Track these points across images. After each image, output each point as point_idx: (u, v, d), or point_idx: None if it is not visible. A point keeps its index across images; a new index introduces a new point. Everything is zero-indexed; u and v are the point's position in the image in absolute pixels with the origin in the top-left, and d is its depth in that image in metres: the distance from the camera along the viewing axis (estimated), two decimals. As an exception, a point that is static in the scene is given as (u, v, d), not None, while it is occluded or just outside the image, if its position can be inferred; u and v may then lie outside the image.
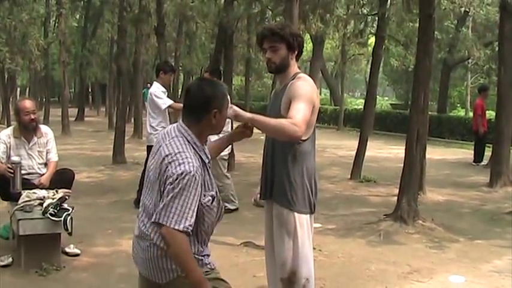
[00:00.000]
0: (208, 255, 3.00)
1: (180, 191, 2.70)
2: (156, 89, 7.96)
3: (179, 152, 2.78)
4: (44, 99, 31.80)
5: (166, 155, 2.79)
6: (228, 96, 3.04)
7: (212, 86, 2.93)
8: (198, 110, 2.88)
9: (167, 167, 2.75)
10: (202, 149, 2.92)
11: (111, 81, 30.60)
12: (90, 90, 46.44)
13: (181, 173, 2.71)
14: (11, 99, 24.84)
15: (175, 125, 2.97)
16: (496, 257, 6.18)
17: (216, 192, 2.96)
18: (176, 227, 2.69)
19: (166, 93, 8.15)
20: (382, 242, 6.68)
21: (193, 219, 2.74)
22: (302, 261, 3.72)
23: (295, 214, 3.69)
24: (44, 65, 26.20)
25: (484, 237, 7.04)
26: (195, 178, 2.73)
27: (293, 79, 3.67)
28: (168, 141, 2.85)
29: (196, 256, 2.89)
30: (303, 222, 3.71)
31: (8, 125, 16.01)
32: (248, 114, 3.32)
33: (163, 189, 2.75)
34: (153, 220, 2.76)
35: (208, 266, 2.97)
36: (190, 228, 2.72)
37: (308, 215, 3.74)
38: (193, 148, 2.85)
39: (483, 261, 6.06)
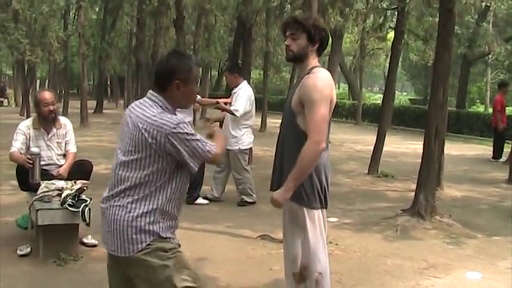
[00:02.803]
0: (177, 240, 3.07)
1: (189, 136, 2.92)
2: None
3: (158, 114, 2.91)
4: (63, 92, 32.01)
5: (148, 123, 2.88)
6: (196, 70, 3.13)
7: (178, 58, 3.04)
8: (163, 79, 2.99)
9: (156, 130, 2.86)
10: (174, 113, 3.00)
11: (129, 74, 30.79)
12: (108, 82, 46.67)
13: (176, 124, 2.88)
14: (30, 91, 25.02)
15: (144, 97, 3.07)
16: (513, 254, 6.14)
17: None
18: (216, 151, 3.06)
19: None
20: (399, 237, 6.66)
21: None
22: (314, 256, 3.72)
23: (305, 209, 3.69)
24: (63, 57, 26.37)
25: (501, 234, 6.99)
26: (186, 123, 2.92)
27: (308, 73, 3.66)
28: (141, 111, 2.95)
29: (169, 235, 2.98)
30: (313, 217, 3.70)
31: (28, 117, 16.12)
32: (285, 193, 3.57)
33: (170, 146, 2.87)
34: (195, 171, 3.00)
35: (177, 242, 3.06)
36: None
37: (319, 210, 3.74)
38: (167, 111, 2.96)
39: (500, 258, 6.02)
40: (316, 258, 3.72)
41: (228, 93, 7.98)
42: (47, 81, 47.14)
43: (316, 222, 3.71)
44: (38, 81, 44.78)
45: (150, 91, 3.02)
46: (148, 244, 2.88)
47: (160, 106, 2.95)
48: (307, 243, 3.70)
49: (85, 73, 22.72)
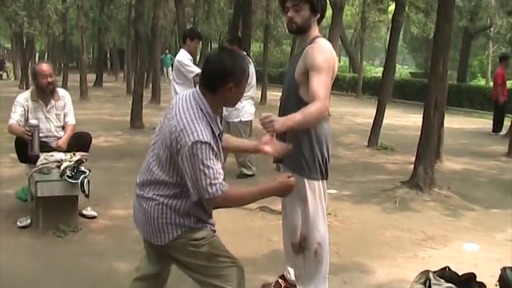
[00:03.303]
0: (213, 225, 3.05)
1: (200, 161, 2.72)
2: (183, 57, 7.80)
3: (192, 120, 2.79)
4: (62, 65, 31.89)
5: (178, 123, 2.80)
6: (248, 71, 2.99)
7: (232, 59, 2.88)
8: (215, 81, 2.86)
9: (179, 135, 2.77)
10: (215, 119, 2.91)
11: (129, 47, 30.60)
12: (108, 55, 46.45)
13: (195, 142, 2.72)
14: (29, 65, 24.93)
15: (191, 91, 2.97)
16: (510, 226, 6.14)
17: (223, 164, 2.98)
18: (219, 193, 2.75)
19: (192, 61, 8.06)
20: (398, 208, 6.69)
21: (222, 176, 2.79)
22: (313, 226, 3.74)
23: (306, 180, 3.69)
24: (62, 30, 26.18)
25: (499, 207, 7.02)
26: (209, 144, 2.74)
27: (311, 43, 3.64)
28: (182, 108, 2.86)
29: (201, 225, 2.96)
30: (314, 188, 3.71)
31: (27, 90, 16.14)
32: (288, 123, 3.29)
33: (179, 159, 2.78)
34: (195, 199, 2.82)
35: (213, 228, 3.04)
36: (224, 184, 2.77)
37: (320, 181, 3.74)
38: (205, 118, 2.84)
39: (498, 230, 6.04)
40: (316, 228, 3.74)
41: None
42: (46, 54, 46.94)
43: (317, 193, 3.71)
44: (37, 54, 44.56)
45: (198, 89, 2.92)
46: (179, 235, 2.91)
47: (201, 110, 2.84)
48: (307, 214, 3.72)
49: (84, 46, 22.59)
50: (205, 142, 2.73)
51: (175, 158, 2.81)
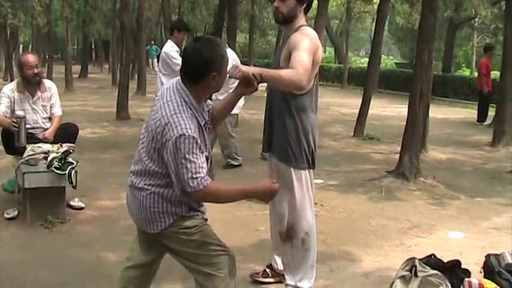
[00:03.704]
0: (204, 213, 3.07)
1: (183, 154, 2.74)
2: (171, 48, 7.73)
3: (175, 114, 2.80)
4: (47, 56, 31.62)
5: (162, 116, 2.82)
6: (227, 56, 2.97)
7: (210, 48, 2.88)
8: (197, 72, 2.87)
9: (164, 129, 2.79)
10: (200, 110, 2.93)
11: (114, 38, 30.39)
12: (93, 47, 46.17)
13: (179, 136, 2.73)
14: (13, 56, 24.74)
15: (175, 82, 2.97)
16: (495, 215, 6.24)
17: (209, 153, 3.00)
18: (200, 188, 2.77)
19: (179, 53, 8.03)
20: (384, 198, 6.76)
21: (205, 170, 2.80)
22: (300, 215, 3.78)
23: (293, 170, 3.72)
24: (46, 21, 25.93)
25: (484, 195, 7.10)
26: (193, 138, 2.75)
27: (296, 31, 3.66)
28: (166, 101, 2.88)
29: (192, 213, 2.98)
30: (300, 177, 3.74)
31: (12, 82, 16.01)
32: (255, 70, 3.20)
33: (164, 152, 2.80)
34: (179, 192, 2.86)
35: (204, 216, 3.06)
36: (207, 178, 2.79)
37: (306, 171, 3.77)
38: (190, 109, 2.86)
39: (483, 218, 6.12)
40: (303, 217, 3.77)
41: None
42: (30, 45, 46.51)
43: (303, 182, 3.75)
44: (21, 45, 44.18)
45: (180, 82, 2.92)
46: (171, 223, 2.93)
47: (185, 102, 2.86)
48: (294, 203, 3.75)
49: (69, 37, 22.47)
50: (189, 136, 2.74)
51: (161, 151, 2.83)
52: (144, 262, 3.23)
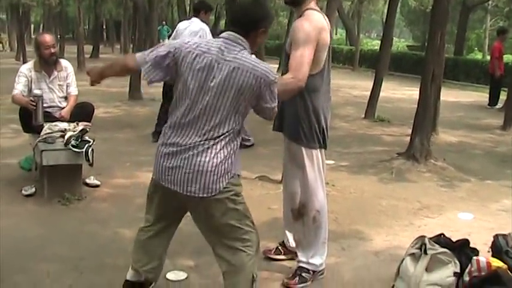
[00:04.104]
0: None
1: (275, 93, 3.10)
2: (205, 26, 8.03)
3: (259, 63, 3.00)
4: (59, 36, 31.74)
5: (253, 64, 2.96)
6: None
7: (265, 7, 3.21)
8: (249, 25, 3.06)
9: (260, 74, 2.96)
10: None
11: (125, 18, 30.48)
12: (104, 27, 46.22)
13: (275, 73, 3.03)
14: (25, 36, 24.81)
15: (226, 35, 3.06)
16: (504, 197, 6.30)
17: None
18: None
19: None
20: (394, 179, 6.83)
21: None
22: (311, 194, 3.86)
23: (304, 149, 3.79)
24: (58, 0, 26.06)
25: (494, 178, 7.15)
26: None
27: (301, 16, 3.71)
28: (234, 50, 2.99)
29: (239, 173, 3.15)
30: (311, 156, 3.81)
31: (24, 62, 16.06)
32: None
33: (257, 97, 3.02)
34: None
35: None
36: None
37: (317, 150, 3.84)
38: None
39: (492, 200, 6.19)
40: (314, 196, 3.86)
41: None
42: (41, 25, 46.62)
43: (315, 161, 3.82)
44: (32, 25, 44.25)
45: (233, 33, 3.04)
46: (228, 184, 3.01)
47: (249, 52, 3.04)
48: (306, 182, 3.83)
49: (81, 17, 22.52)
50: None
51: (250, 98, 2.98)
52: (169, 224, 3.37)
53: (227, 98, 2.95)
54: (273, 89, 3.04)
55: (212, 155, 2.96)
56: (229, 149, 3.01)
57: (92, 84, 3.54)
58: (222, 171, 2.98)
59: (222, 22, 30.34)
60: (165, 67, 3.08)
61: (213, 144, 2.97)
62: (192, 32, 7.89)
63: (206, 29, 7.97)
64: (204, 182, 2.96)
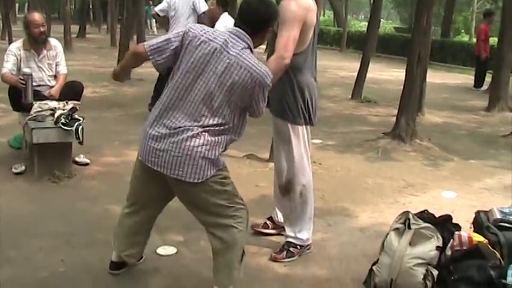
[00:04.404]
0: None
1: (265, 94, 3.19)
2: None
3: (258, 64, 3.06)
4: (45, 15, 31.40)
5: (252, 64, 3.03)
6: None
7: (273, 6, 3.27)
8: (260, 25, 3.16)
9: (257, 75, 3.03)
10: None
11: (112, -2, 30.20)
12: (91, 6, 45.78)
13: (269, 84, 3.14)
14: (10, 15, 24.54)
15: (234, 31, 3.13)
16: (487, 176, 6.44)
17: None
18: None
19: None
20: (380, 158, 6.95)
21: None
22: (297, 169, 3.95)
23: (290, 125, 3.88)
24: (44, -21, 25.81)
25: (478, 158, 7.29)
26: None
27: None
28: (237, 48, 3.05)
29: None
30: (298, 132, 3.90)
31: (10, 42, 15.93)
32: None
33: (250, 96, 3.09)
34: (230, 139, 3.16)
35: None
36: None
37: (303, 126, 3.92)
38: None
39: (475, 179, 6.32)
40: (300, 171, 3.95)
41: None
42: (26, 4, 46.06)
43: (301, 137, 3.91)
44: (17, 5, 43.70)
45: (241, 32, 3.11)
46: (216, 172, 3.08)
47: (252, 52, 3.12)
48: (292, 157, 3.92)
49: (68, -4, 22.33)
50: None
51: (243, 96, 3.06)
52: (152, 209, 3.45)
53: (222, 89, 3.01)
54: (265, 92, 3.13)
55: (201, 142, 3.00)
56: (219, 140, 3.07)
57: (116, 79, 3.63)
58: (210, 161, 3.04)
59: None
60: (172, 50, 3.12)
61: (204, 132, 3.01)
62: (186, 3, 8.23)
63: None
64: (192, 167, 3.01)
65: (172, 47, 3.11)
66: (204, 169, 3.02)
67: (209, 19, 7.78)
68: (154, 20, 28.80)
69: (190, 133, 2.99)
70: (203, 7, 8.26)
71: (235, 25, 3.16)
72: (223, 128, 3.07)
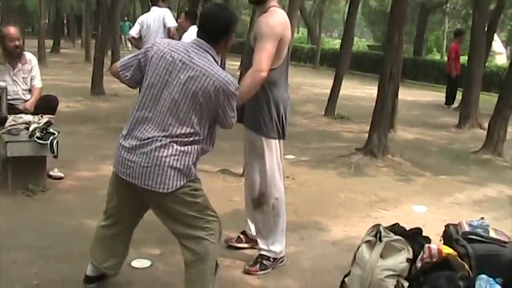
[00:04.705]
0: None
1: (232, 104, 3.22)
2: (166, 10, 8.72)
3: (221, 72, 3.11)
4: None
5: (215, 72, 3.09)
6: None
7: (230, 12, 3.37)
8: (219, 32, 3.21)
9: (221, 84, 3.08)
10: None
11: (87, 13, 30.13)
12: (65, 21, 45.58)
13: (236, 85, 3.19)
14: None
15: (196, 41, 3.20)
16: (458, 191, 6.58)
17: None
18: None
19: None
20: (352, 173, 7.05)
21: None
22: (270, 182, 4.02)
23: (263, 138, 3.96)
24: (18, -7, 25.70)
25: (448, 173, 7.43)
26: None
27: (265, 13, 3.87)
28: (202, 58, 3.12)
29: (197, 177, 3.25)
30: (271, 146, 3.98)
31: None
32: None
33: (215, 104, 3.12)
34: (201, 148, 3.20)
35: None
36: None
37: (276, 140, 4.00)
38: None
39: (446, 194, 6.45)
40: (273, 184, 4.02)
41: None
42: None
43: (274, 151, 3.99)
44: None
45: (203, 41, 3.17)
46: (185, 183, 3.11)
47: (216, 62, 3.17)
48: (265, 171, 4.00)
49: (42, 10, 22.25)
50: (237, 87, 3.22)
51: (209, 105, 3.09)
52: (129, 221, 3.48)
53: (186, 98, 3.06)
54: (231, 101, 3.17)
55: (170, 152, 3.05)
56: (189, 150, 3.11)
57: None
58: (180, 171, 3.08)
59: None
60: (138, 65, 3.24)
61: (172, 142, 3.06)
62: (156, 20, 8.53)
63: (167, 11, 8.63)
64: (161, 177, 3.06)
65: (137, 62, 3.24)
66: (173, 179, 3.07)
67: (179, 33, 8.11)
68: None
69: (158, 143, 3.06)
70: (171, 22, 8.55)
71: (197, 36, 3.23)
72: (193, 138, 3.12)
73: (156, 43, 3.25)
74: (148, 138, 3.07)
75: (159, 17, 8.56)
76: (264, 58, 3.66)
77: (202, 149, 3.20)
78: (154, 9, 8.73)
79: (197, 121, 3.10)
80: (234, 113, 3.25)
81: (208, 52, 3.16)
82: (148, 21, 8.62)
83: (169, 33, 8.48)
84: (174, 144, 3.06)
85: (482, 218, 4.14)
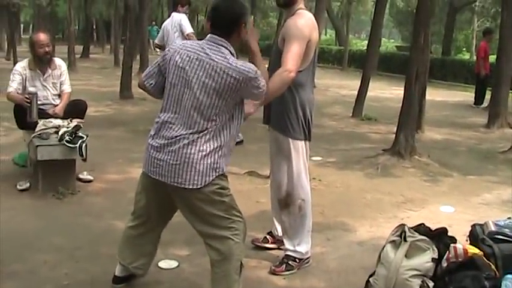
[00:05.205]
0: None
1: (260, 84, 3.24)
2: (183, 16, 8.73)
3: (237, 63, 3.14)
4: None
5: (232, 64, 3.12)
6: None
7: (238, 3, 3.31)
8: (230, 25, 3.24)
9: (239, 73, 3.11)
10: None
11: (116, 18, 30.48)
12: (94, 27, 46.16)
13: (256, 70, 3.19)
14: (15, 36, 24.79)
15: (209, 37, 3.25)
16: (486, 191, 6.51)
17: None
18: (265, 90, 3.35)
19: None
20: (379, 174, 7.02)
21: None
22: (297, 183, 4.06)
23: (290, 140, 4.00)
24: (48, 0, 26.08)
25: (476, 173, 7.35)
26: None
27: (293, 15, 3.92)
28: (215, 52, 3.16)
29: (225, 174, 3.29)
30: (298, 147, 4.02)
31: (15, 62, 16.11)
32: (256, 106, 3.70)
33: (241, 92, 3.18)
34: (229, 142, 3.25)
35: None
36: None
37: (303, 142, 4.05)
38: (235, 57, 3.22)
39: (473, 194, 6.38)
40: (300, 185, 4.05)
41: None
42: (31, 25, 46.46)
43: (300, 152, 4.03)
44: (22, 25, 44.05)
45: (216, 36, 3.22)
46: (214, 179, 3.17)
47: (231, 53, 3.20)
48: (291, 172, 4.03)
49: (72, 17, 22.57)
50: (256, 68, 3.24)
51: (232, 96, 3.14)
52: (157, 221, 3.54)
53: (208, 95, 3.11)
54: (255, 82, 3.18)
55: (198, 148, 3.12)
56: (215, 143, 3.16)
57: None
58: (209, 165, 3.14)
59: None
60: (159, 70, 3.34)
61: (199, 138, 3.12)
62: (174, 26, 8.64)
63: (183, 17, 8.68)
64: (190, 174, 3.12)
65: (158, 68, 3.34)
66: (202, 175, 3.13)
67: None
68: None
69: (186, 141, 3.12)
70: (187, 28, 8.62)
71: (210, 32, 3.28)
72: (220, 130, 3.17)
73: (171, 46, 3.35)
74: (176, 137, 3.15)
75: (176, 23, 8.67)
76: (292, 59, 3.71)
77: (231, 136, 3.25)
78: (173, 15, 8.85)
79: (221, 113, 3.15)
80: (261, 88, 3.26)
81: (222, 46, 3.20)
82: (167, 28, 8.77)
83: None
84: (201, 140, 3.12)
85: (509, 218, 4.12)
